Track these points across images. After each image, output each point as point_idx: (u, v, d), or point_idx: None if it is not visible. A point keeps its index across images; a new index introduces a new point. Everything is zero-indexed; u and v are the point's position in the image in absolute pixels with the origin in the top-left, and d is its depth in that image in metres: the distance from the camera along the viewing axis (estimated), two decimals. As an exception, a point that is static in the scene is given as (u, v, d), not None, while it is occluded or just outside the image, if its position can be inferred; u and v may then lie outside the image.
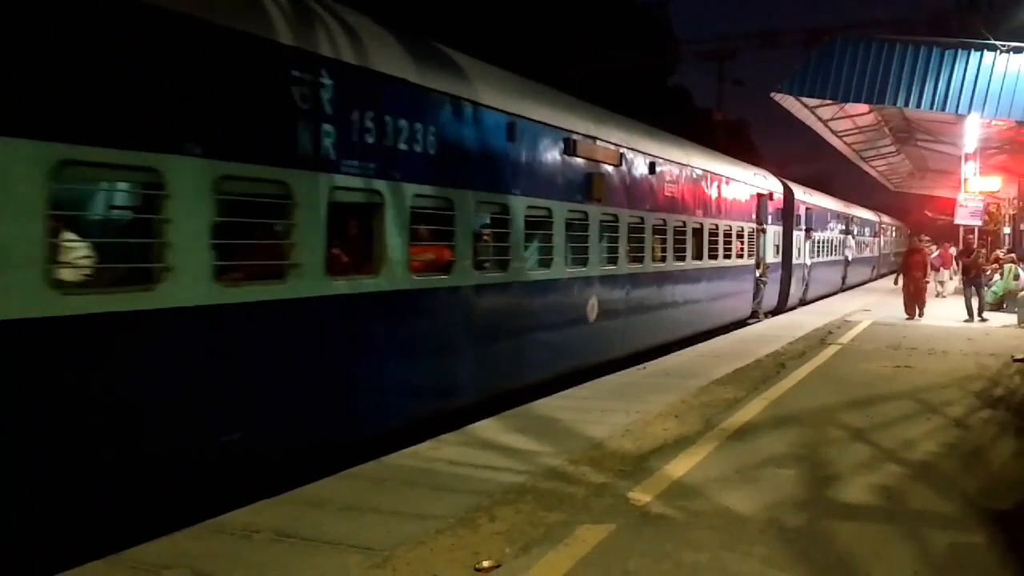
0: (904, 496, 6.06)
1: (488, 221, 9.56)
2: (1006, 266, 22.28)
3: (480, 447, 7.22)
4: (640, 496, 5.83)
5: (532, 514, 5.42)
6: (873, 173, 42.69)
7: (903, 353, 13.33)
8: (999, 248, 30.65)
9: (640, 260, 13.03)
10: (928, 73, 19.81)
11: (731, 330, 17.39)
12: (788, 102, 23.73)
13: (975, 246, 23.80)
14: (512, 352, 9.70)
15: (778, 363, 12.18)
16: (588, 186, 11.26)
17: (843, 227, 32.75)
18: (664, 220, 13.79)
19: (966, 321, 19.00)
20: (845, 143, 31.87)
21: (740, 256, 18.51)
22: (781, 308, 22.75)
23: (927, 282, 21.14)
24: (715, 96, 51.20)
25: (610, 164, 11.93)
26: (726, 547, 4.91)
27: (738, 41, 49.47)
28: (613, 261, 12.17)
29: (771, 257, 21.37)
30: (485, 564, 4.59)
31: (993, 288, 21.98)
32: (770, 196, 21.14)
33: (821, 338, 15.41)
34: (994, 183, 27.19)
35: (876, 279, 41.22)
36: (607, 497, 5.82)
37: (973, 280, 19.98)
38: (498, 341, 9.33)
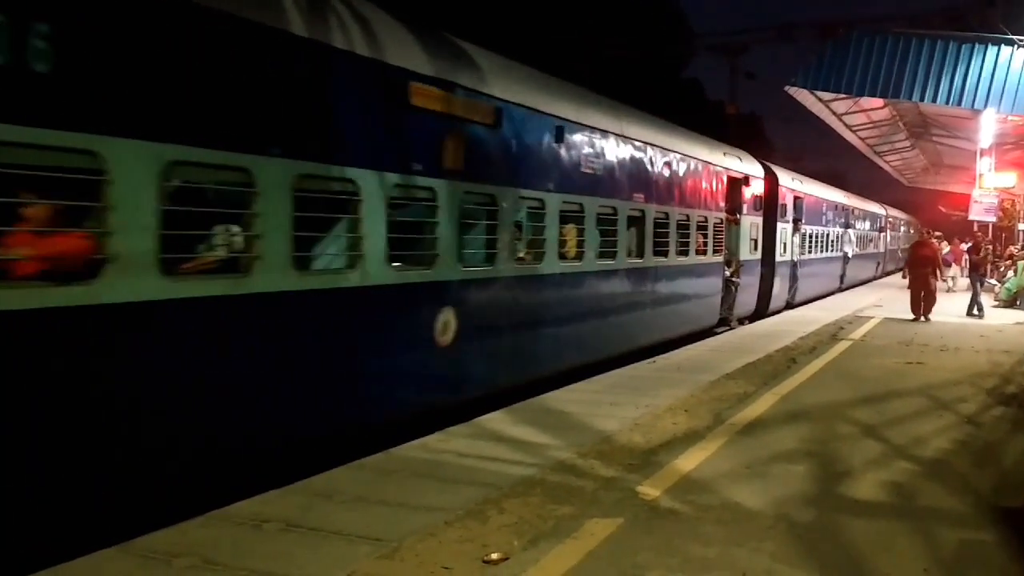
0: (915, 493, 6.04)
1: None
2: (1020, 262, 22.13)
3: (489, 439, 7.22)
4: (649, 490, 5.82)
5: (541, 507, 5.42)
6: (887, 168, 42.50)
7: (915, 349, 13.26)
8: (1013, 244, 30.47)
9: (538, 258, 9.99)
10: (944, 67, 19.68)
11: (693, 341, 14.44)
12: (802, 95, 23.62)
13: (983, 243, 23.95)
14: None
15: (789, 358, 12.15)
16: (435, 149, 8.03)
17: (842, 220, 29.67)
18: (581, 205, 10.72)
19: (968, 316, 19.00)
20: (859, 138, 31.72)
21: (702, 252, 15.32)
22: (762, 312, 19.57)
23: (937, 280, 18.99)
24: (727, 89, 50.89)
25: (477, 121, 8.70)
26: (735, 542, 4.90)
27: (751, 34, 49.30)
28: (490, 260, 9.02)
29: (746, 253, 18.15)
30: (494, 556, 4.60)
31: (1007, 284, 21.86)
32: (746, 181, 17.86)
33: (832, 333, 15.35)
34: (1009, 179, 27.03)
35: (881, 276, 39.55)
36: (616, 491, 5.82)
37: (980, 276, 20.21)
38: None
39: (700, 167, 15.15)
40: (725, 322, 17.20)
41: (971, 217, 26.35)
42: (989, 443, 7.58)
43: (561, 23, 40.68)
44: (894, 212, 46.90)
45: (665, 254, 13.56)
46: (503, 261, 9.21)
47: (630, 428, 7.66)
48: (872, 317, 18.51)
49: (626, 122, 12.42)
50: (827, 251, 27.09)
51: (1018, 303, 20.78)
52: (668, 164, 13.66)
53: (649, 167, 12.96)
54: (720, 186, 16.26)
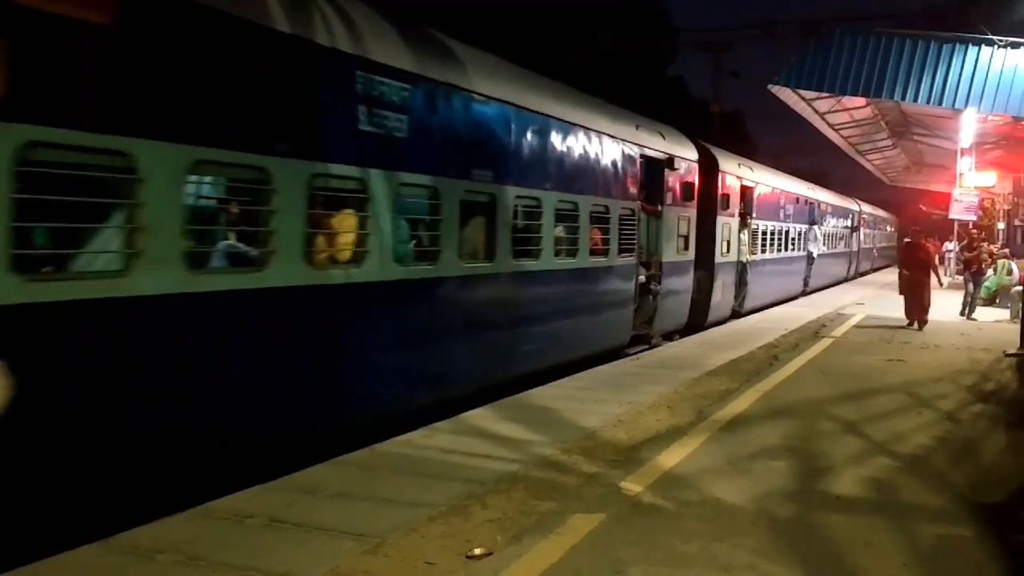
0: (894, 489, 6.10)
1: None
2: (999, 261, 22.31)
3: (473, 435, 7.24)
4: (631, 486, 5.85)
5: (524, 503, 5.44)
6: (869, 167, 42.70)
7: (896, 347, 13.37)
8: (992, 243, 30.73)
9: (355, 260, 7.23)
10: (925, 67, 19.77)
11: (595, 365, 11.27)
12: (785, 94, 23.67)
13: (977, 241, 22.88)
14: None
15: (771, 355, 12.22)
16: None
17: (806, 216, 26.52)
18: (364, 183, 7.24)
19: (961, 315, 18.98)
20: (842, 136, 31.85)
21: (600, 252, 11.91)
22: (697, 324, 16.38)
23: (931, 286, 16.94)
24: (711, 87, 51.11)
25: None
26: (716, 538, 4.94)
27: (735, 32, 49.47)
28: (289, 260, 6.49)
29: (672, 253, 14.70)
30: (477, 552, 4.61)
31: (986, 283, 22.04)
32: (670, 164, 14.29)
33: (815, 331, 15.45)
34: (989, 178, 27.26)
35: (854, 277, 37.20)
36: (599, 487, 5.85)
37: (974, 276, 19.83)
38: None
39: (597, 141, 11.74)
40: (643, 339, 13.87)
41: (951, 216, 26.53)
42: (968, 440, 7.66)
43: (545, 19, 40.66)
44: (869, 208, 43.98)
45: (536, 255, 10.11)
46: (406, 262, 7.87)
47: (613, 424, 7.69)
48: (854, 315, 18.63)
49: (456, 67, 8.76)
50: (787, 250, 24.07)
51: (997, 301, 20.95)
52: (542, 133, 10.33)
53: (527, 142, 9.93)
54: (631, 168, 12.86)
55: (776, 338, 14.22)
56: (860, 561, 4.70)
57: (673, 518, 5.28)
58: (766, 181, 22.04)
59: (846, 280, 34.87)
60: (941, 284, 17.95)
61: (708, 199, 16.70)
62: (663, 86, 50.74)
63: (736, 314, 19.00)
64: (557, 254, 10.76)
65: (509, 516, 5.19)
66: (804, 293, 26.44)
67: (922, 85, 19.89)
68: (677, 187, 14.85)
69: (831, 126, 29.25)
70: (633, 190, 13.01)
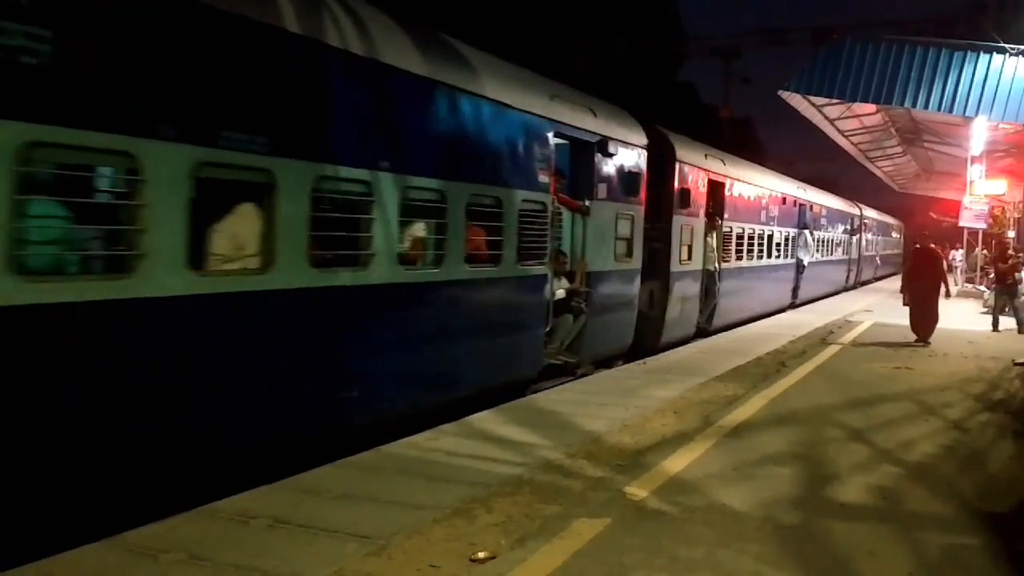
0: (901, 497, 6.07)
1: None
2: (1011, 270, 22.20)
3: (478, 438, 7.23)
4: (637, 491, 5.84)
5: (528, 506, 5.44)
6: (879, 174, 42.63)
7: (904, 354, 13.32)
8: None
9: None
10: (936, 74, 19.77)
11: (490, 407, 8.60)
12: (795, 100, 23.69)
13: (1010, 247, 20.06)
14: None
15: (778, 361, 12.19)
16: None
17: (795, 219, 23.41)
18: (137, 161, 5.17)
19: (994, 332, 17.36)
20: (852, 143, 31.82)
21: (487, 260, 9.03)
22: (650, 344, 13.46)
23: (941, 296, 15.49)
24: (720, 93, 51.07)
25: None
26: (721, 544, 4.92)
27: (745, 38, 49.42)
28: None
29: (608, 260, 11.72)
30: (481, 555, 4.61)
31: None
32: (602, 148, 11.30)
33: (822, 337, 15.40)
34: (1000, 186, 27.16)
35: (855, 287, 34.06)
36: (604, 491, 5.83)
37: (1008, 288, 17.97)
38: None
39: (479, 109, 8.77)
40: (564, 370, 10.90)
41: (961, 223, 26.44)
42: (975, 448, 7.62)
43: (558, 23, 40.72)
44: (872, 213, 40.55)
45: (361, 263, 7.14)
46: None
47: (619, 429, 7.68)
48: (862, 322, 18.57)
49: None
50: (769, 257, 20.95)
51: (1007, 310, 20.85)
52: (393, 96, 7.55)
53: (343, 97, 6.97)
54: (540, 149, 9.87)
55: (783, 344, 14.19)
56: (865, 569, 4.68)
57: (678, 523, 5.26)
58: (744, 177, 18.63)
59: (845, 290, 32.09)
60: (949, 295, 16.38)
61: (662, 195, 13.77)
62: (673, 92, 50.77)
63: (703, 332, 15.95)
64: (406, 261, 7.76)
65: (514, 519, 5.18)
66: (793, 305, 23.62)
67: (932, 92, 19.89)
68: (614, 178, 11.70)
69: (841, 132, 29.25)
70: (543, 178, 9.88)
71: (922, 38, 21.32)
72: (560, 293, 10.71)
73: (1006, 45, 18.90)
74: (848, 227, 32.82)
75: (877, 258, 41.49)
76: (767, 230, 20.66)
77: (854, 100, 22.20)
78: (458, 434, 7.37)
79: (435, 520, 5.12)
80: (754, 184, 19.63)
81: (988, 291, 23.57)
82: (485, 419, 7.99)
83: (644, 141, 12.80)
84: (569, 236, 11.16)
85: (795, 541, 5.04)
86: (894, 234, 50.79)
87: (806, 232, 24.27)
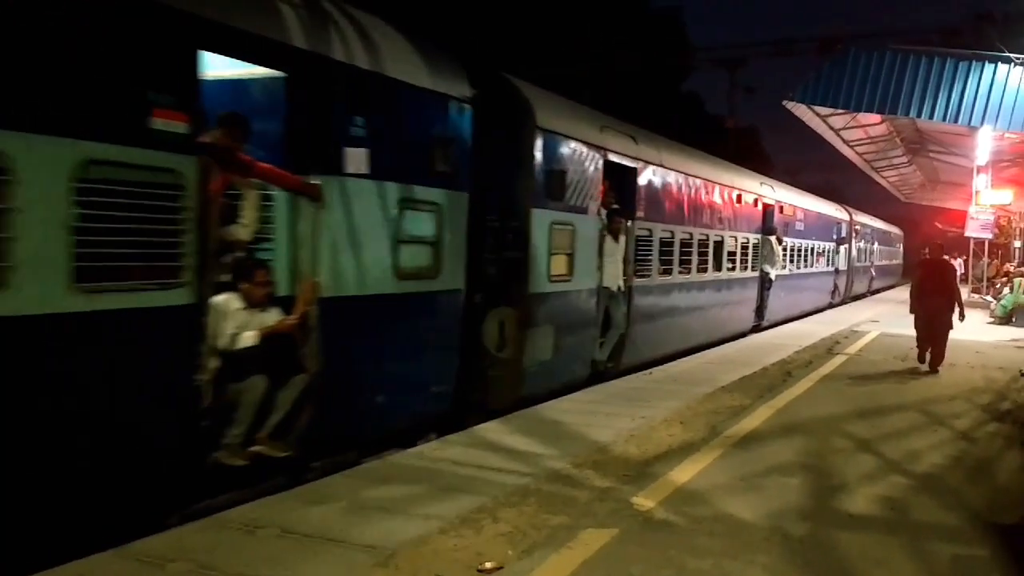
0: (908, 508, 6.05)
1: None
2: (1015, 279, 22.22)
3: (485, 448, 7.23)
4: (644, 501, 5.83)
5: (535, 516, 5.43)
6: (884, 184, 42.60)
7: (911, 364, 13.28)
8: (1009, 262, 30.58)
9: None
10: (941, 84, 19.78)
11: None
12: (800, 110, 23.71)
13: None
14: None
15: (784, 371, 12.17)
16: None
17: (759, 223, 19.25)
18: None
19: None
20: (856, 153, 31.83)
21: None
22: (499, 399, 9.37)
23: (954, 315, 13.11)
24: (725, 102, 51.10)
25: None
26: (729, 554, 4.91)
27: (750, 48, 49.53)
28: None
29: (375, 278, 7.37)
30: (488, 565, 4.60)
31: (1003, 302, 21.95)
32: (344, 86, 6.96)
33: (828, 348, 15.37)
34: (1006, 196, 27.14)
35: (842, 303, 29.74)
36: (611, 501, 5.83)
37: None
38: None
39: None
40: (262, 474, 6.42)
41: (967, 234, 26.44)
42: (983, 459, 7.60)
43: (563, 34, 40.83)
44: (865, 218, 36.40)
45: None
46: None
47: (625, 439, 7.67)
48: (868, 332, 18.52)
49: None
50: (717, 269, 16.48)
51: (1014, 320, 20.84)
52: None
53: None
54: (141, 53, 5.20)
55: (790, 354, 14.15)
56: (874, 580, 4.67)
57: (685, 534, 5.25)
58: (671, 164, 14.00)
59: (832, 306, 27.94)
60: (963, 318, 13.32)
61: (515, 179, 9.71)
62: (679, 102, 50.86)
63: (604, 373, 11.73)
64: None
65: (520, 530, 5.18)
66: (757, 328, 19.52)
67: (938, 102, 19.90)
68: (389, 142, 7.39)
69: (846, 142, 29.26)
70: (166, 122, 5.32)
71: (927, 48, 21.34)
72: (244, 339, 6.35)
73: (1011, 55, 18.90)
74: (835, 234, 28.71)
75: (872, 269, 37.65)
76: (713, 235, 16.06)
77: (859, 110, 22.22)
78: (465, 444, 7.38)
79: (442, 530, 5.12)
80: (690, 174, 14.88)
81: (994, 301, 23.55)
82: (491, 429, 8.00)
83: (466, 91, 8.49)
84: (286, 237, 6.72)
85: (803, 552, 5.03)
86: (892, 244, 46.64)
87: (772, 239, 19.87)
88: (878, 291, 38.56)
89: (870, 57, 20.76)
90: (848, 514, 5.83)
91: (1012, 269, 25.66)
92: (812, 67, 23.98)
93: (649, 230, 13.02)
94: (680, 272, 14.53)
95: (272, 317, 6.53)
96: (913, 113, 20.61)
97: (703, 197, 15.62)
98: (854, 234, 31.93)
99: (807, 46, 43.52)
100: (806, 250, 24.38)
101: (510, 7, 38.01)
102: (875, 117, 24.86)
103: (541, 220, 9.88)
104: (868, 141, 30.22)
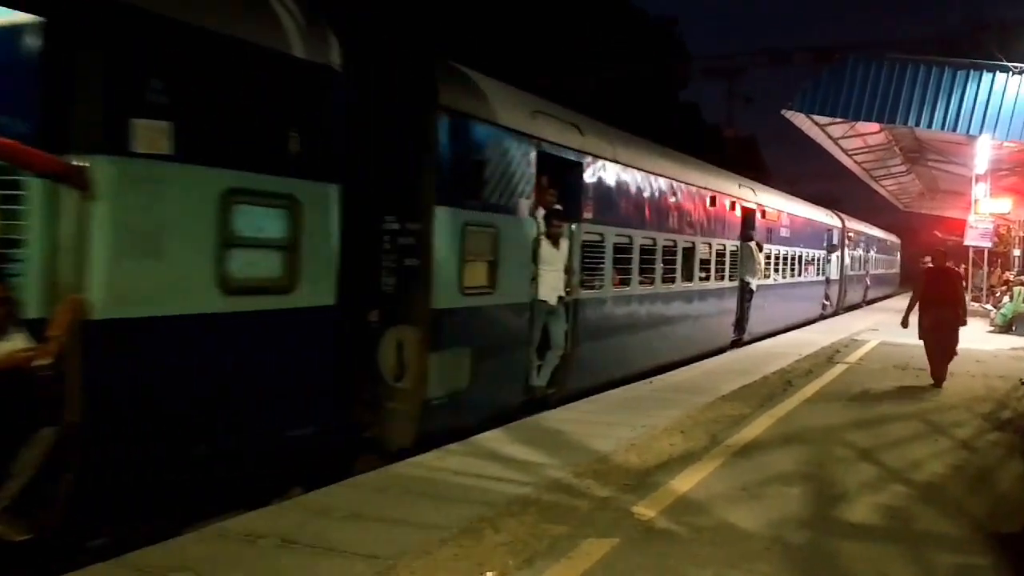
0: (910, 517, 6.04)
1: None
2: (1015, 288, 22.24)
3: (485, 458, 7.22)
4: (644, 511, 5.82)
5: (536, 526, 5.42)
6: (883, 192, 42.64)
7: (911, 374, 13.27)
8: (1008, 270, 30.59)
9: None
10: (940, 93, 19.81)
11: None
12: (799, 119, 23.75)
13: None
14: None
15: (785, 380, 12.17)
16: None
17: (734, 227, 17.48)
18: None
19: None
20: (855, 162, 31.85)
21: None
22: (395, 441, 7.80)
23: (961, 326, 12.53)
24: (724, 112, 51.27)
25: None
26: (730, 564, 4.90)
27: (747, 58, 49.67)
28: None
29: (184, 294, 5.67)
30: (488, 575, 4.59)
31: (1003, 310, 21.96)
32: (108, 38, 5.21)
33: (828, 356, 15.37)
34: (1004, 204, 27.15)
35: (835, 313, 28.30)
36: (611, 511, 5.82)
37: None
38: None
39: None
40: None
41: (967, 242, 26.45)
42: (984, 468, 7.59)
43: (562, 45, 40.96)
44: (859, 225, 34.91)
45: None
46: None
47: (626, 448, 7.66)
48: (868, 341, 18.52)
49: None
50: (687, 279, 14.81)
51: (1014, 328, 20.84)
52: None
53: None
54: None
55: (790, 363, 14.15)
56: (875, 589, 4.66)
57: (686, 543, 5.24)
58: (627, 159, 12.34)
59: (822, 318, 26.48)
60: (965, 323, 12.82)
61: (414, 171, 8.01)
62: (677, 112, 50.98)
63: (546, 401, 10.13)
64: None
65: (521, 539, 5.16)
66: (737, 343, 17.88)
67: (936, 111, 19.93)
68: (204, 117, 5.87)
69: (845, 151, 29.28)
70: None
71: (925, 57, 21.37)
72: None
73: (1009, 64, 18.94)
74: (826, 241, 27.22)
75: (867, 278, 36.21)
76: (683, 241, 14.42)
77: (857, 119, 22.25)
78: (465, 453, 7.36)
79: (443, 540, 5.11)
80: (654, 173, 13.32)
81: (994, 310, 23.57)
82: (492, 438, 7.98)
83: (333, 57, 6.84)
84: (40, 238, 5.13)
85: (804, 561, 5.02)
86: (889, 251, 45.31)
87: (752, 246, 18.27)
88: (874, 301, 37.52)
89: (868, 66, 20.81)
90: (849, 523, 5.82)
91: (1012, 278, 25.65)
92: (810, 76, 23.98)
93: (601, 235, 11.40)
94: (642, 283, 12.91)
95: (9, 346, 4.86)
96: (912, 122, 20.64)
97: (670, 199, 13.99)
98: (847, 241, 30.77)
99: (805, 55, 43.70)
100: (793, 258, 22.93)
101: (507, 17, 38.14)
102: (874, 126, 24.89)
103: (449, 221, 8.15)
104: (867, 150, 30.25)
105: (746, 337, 18.36)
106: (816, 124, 24.44)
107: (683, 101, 55.65)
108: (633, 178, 12.54)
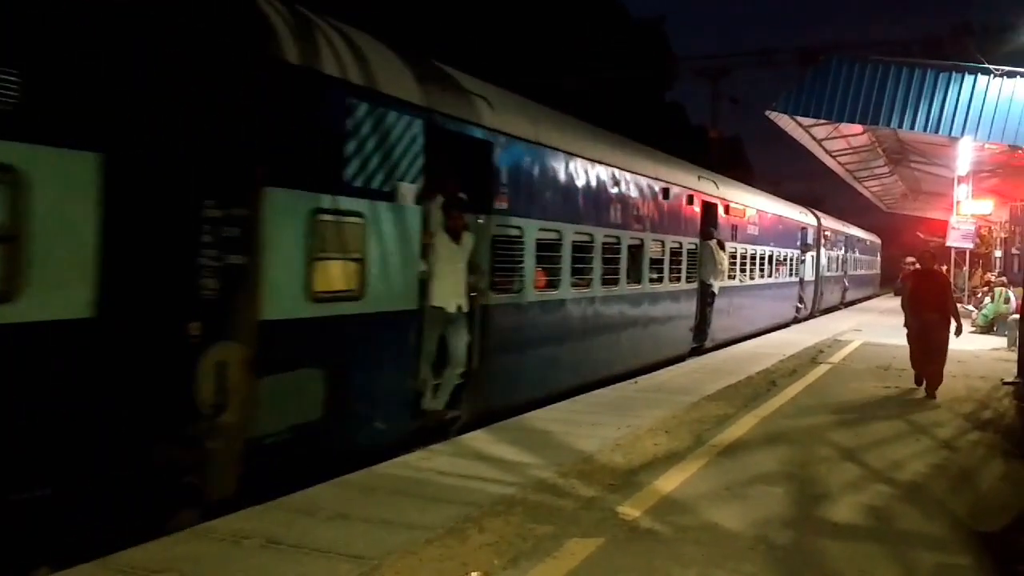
0: (892, 516, 6.09)
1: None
2: (996, 289, 22.42)
3: (470, 458, 7.22)
4: (629, 510, 5.84)
5: (521, 526, 5.43)
6: (866, 194, 42.84)
7: (893, 374, 13.35)
8: (990, 271, 30.84)
9: None
10: (922, 95, 19.92)
11: None
12: (783, 120, 23.82)
13: None
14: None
15: (769, 381, 12.22)
16: None
17: (692, 224, 15.91)
18: None
19: None
20: (839, 163, 31.99)
21: None
22: (212, 494, 5.89)
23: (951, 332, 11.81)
24: (709, 113, 51.41)
25: None
26: (714, 563, 4.93)
27: (733, 58, 49.86)
28: None
29: None
30: (474, 575, 4.60)
31: (984, 311, 22.13)
32: None
33: (812, 357, 15.44)
34: (986, 206, 27.34)
35: (809, 317, 26.88)
36: (596, 511, 5.83)
37: None
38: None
39: None
40: None
41: (949, 243, 26.60)
42: (966, 468, 7.66)
43: (545, 44, 40.98)
44: (836, 224, 33.55)
45: None
46: None
47: (611, 448, 7.68)
48: (851, 341, 18.63)
49: None
50: (641, 281, 13.43)
51: (995, 329, 21.00)
52: None
53: None
54: None
55: (774, 364, 14.22)
56: (858, 588, 4.69)
57: (671, 543, 5.26)
58: (553, 141, 10.70)
59: (796, 321, 25.27)
60: (959, 333, 12.18)
61: (226, 141, 6.03)
62: (662, 113, 51.09)
63: (443, 427, 8.58)
64: None
65: (506, 539, 5.17)
66: (699, 350, 16.48)
67: (919, 113, 20.03)
68: None
69: (828, 153, 29.40)
70: None
71: (908, 59, 21.51)
72: None
73: (992, 66, 19.08)
74: (800, 240, 25.90)
75: (845, 279, 35.04)
76: (629, 237, 12.82)
77: (841, 120, 22.33)
78: (450, 453, 7.36)
79: (428, 540, 5.11)
80: (591, 159, 11.58)
81: (976, 310, 23.74)
82: (477, 438, 7.99)
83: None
84: None
85: (788, 561, 5.05)
86: (869, 252, 44.24)
87: (713, 244, 16.85)
88: (853, 302, 36.72)
89: (852, 68, 20.90)
90: (832, 523, 5.86)
91: (993, 279, 25.84)
92: (795, 77, 24.08)
93: (520, 229, 9.74)
94: (576, 285, 11.26)
95: None
96: (894, 123, 20.74)
97: (612, 190, 12.24)
98: (824, 241, 29.52)
99: (789, 56, 43.82)
100: (762, 257, 21.49)
101: (492, 18, 38.12)
102: (857, 127, 25.00)
103: (288, 207, 6.43)
104: (850, 151, 30.39)
105: (708, 344, 16.94)
106: (800, 125, 24.53)
107: (669, 101, 55.83)
108: (564, 164, 10.89)
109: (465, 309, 8.63)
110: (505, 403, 9.42)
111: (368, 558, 4.78)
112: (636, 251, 13.20)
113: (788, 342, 18.14)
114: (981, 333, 20.81)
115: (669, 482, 6.62)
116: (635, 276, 13.27)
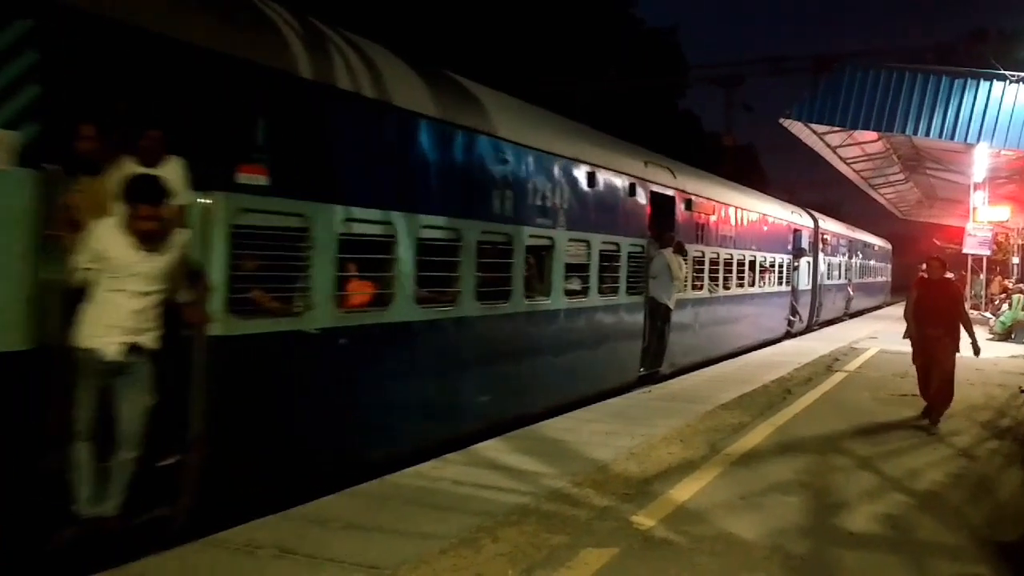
0: (909, 526, 6.03)
1: None
2: (1014, 296, 22.27)
3: (484, 467, 7.21)
4: (643, 520, 5.81)
5: (535, 536, 5.41)
6: (881, 201, 42.69)
7: (910, 382, 13.22)
8: (1008, 278, 30.62)
9: None
10: (937, 102, 19.87)
11: None
12: (797, 128, 23.80)
13: None
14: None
15: (784, 389, 12.16)
16: None
17: (639, 220, 12.78)
18: None
19: None
20: (853, 170, 31.90)
21: None
22: None
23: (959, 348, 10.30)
24: (723, 121, 51.33)
25: None
26: (729, 573, 4.90)
27: (746, 67, 49.72)
28: None
29: None
30: (487, 585, 4.59)
31: (1002, 318, 21.99)
32: None
33: (828, 365, 15.35)
34: (1003, 212, 27.21)
35: (806, 331, 24.27)
36: (610, 520, 5.81)
37: None
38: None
39: None
40: None
41: (965, 250, 26.45)
42: (984, 476, 7.59)
43: (560, 55, 41.03)
44: (836, 227, 30.65)
45: None
46: None
47: (625, 457, 7.65)
48: (867, 349, 18.51)
49: None
50: (550, 294, 10.23)
51: (1013, 336, 20.86)
52: None
53: None
54: None
55: (789, 372, 14.14)
56: (875, 599, 4.65)
57: (686, 553, 5.23)
58: (384, 92, 7.31)
59: (789, 336, 22.51)
60: (977, 352, 10.85)
61: None
62: (675, 121, 51.06)
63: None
64: None
65: (520, 549, 5.15)
66: (652, 378, 13.21)
67: (934, 120, 19.98)
68: None
69: (843, 160, 29.34)
70: None
71: (923, 66, 21.46)
72: None
73: (1006, 72, 19.01)
74: (792, 244, 22.83)
75: (849, 288, 31.78)
76: (528, 234, 9.64)
77: (855, 128, 22.31)
78: (464, 463, 7.34)
79: (442, 550, 5.09)
80: (457, 125, 8.40)
81: (993, 317, 23.58)
82: (491, 448, 7.96)
83: None
84: None
85: (803, 571, 5.01)
86: (878, 258, 40.74)
87: (667, 250, 13.37)
88: (859, 313, 33.78)
89: (866, 75, 20.87)
90: (849, 532, 5.81)
91: (1011, 286, 25.67)
92: (809, 85, 24.03)
93: (302, 215, 6.41)
94: (425, 300, 7.95)
95: None
96: (909, 130, 20.70)
97: (495, 168, 9.01)
98: (822, 244, 26.57)
99: (803, 64, 43.69)
100: (741, 263, 18.17)
101: (505, 28, 38.22)
102: (872, 134, 24.96)
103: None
104: (865, 158, 30.31)
105: (666, 369, 13.70)
106: (814, 133, 24.49)
107: (682, 110, 55.77)
108: (411, 131, 7.71)
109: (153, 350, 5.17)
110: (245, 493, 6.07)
111: (381, 568, 4.78)
112: (546, 253, 10.19)
113: (803, 350, 18.02)
114: (999, 340, 20.66)
115: (684, 491, 6.59)
116: (544, 288, 10.19)
